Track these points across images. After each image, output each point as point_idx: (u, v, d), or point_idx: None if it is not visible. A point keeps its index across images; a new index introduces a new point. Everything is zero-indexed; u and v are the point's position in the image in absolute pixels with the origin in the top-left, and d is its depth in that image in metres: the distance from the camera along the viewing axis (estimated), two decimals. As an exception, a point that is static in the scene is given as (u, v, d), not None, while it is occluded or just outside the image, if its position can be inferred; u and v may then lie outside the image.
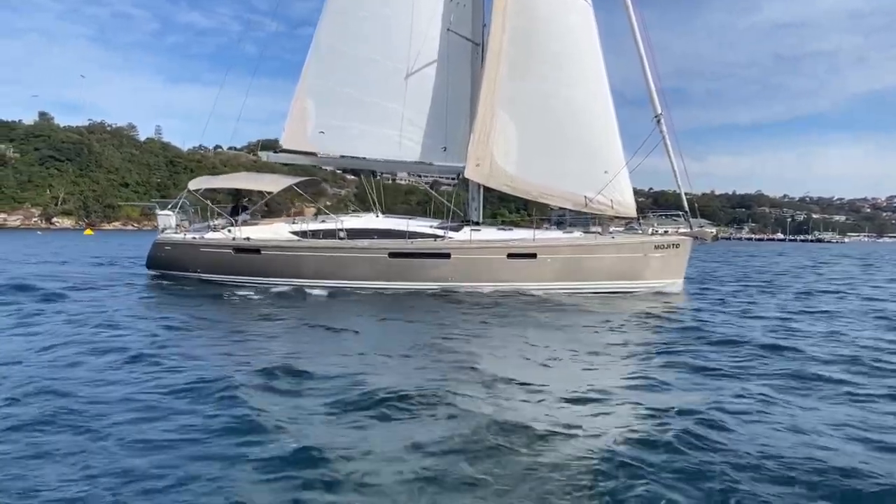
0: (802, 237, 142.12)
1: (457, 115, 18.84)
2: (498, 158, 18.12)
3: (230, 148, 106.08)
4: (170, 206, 19.96)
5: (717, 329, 11.41)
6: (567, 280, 17.72)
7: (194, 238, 19.26)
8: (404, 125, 18.50)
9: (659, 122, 18.25)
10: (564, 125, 18.31)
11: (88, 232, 59.26)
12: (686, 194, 18.84)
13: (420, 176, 22.00)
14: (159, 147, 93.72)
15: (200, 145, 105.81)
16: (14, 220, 73.95)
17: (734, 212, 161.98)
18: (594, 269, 17.78)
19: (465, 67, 18.90)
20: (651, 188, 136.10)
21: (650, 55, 17.92)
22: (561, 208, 21.30)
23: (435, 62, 18.57)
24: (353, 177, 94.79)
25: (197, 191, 19.46)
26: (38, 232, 61.18)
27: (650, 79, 17.85)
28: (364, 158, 18.99)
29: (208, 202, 20.24)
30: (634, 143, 18.75)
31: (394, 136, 18.46)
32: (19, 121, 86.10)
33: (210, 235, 19.23)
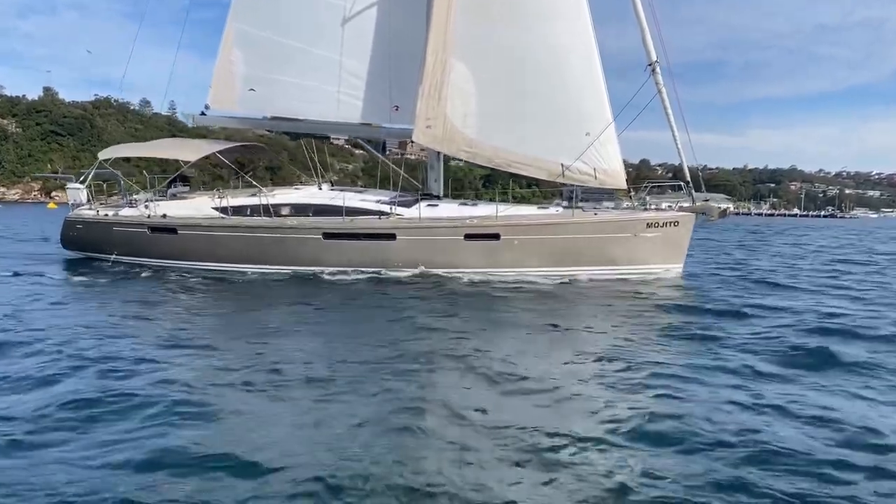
0: (815, 213, 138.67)
1: (410, 65, 15.53)
2: (453, 118, 14.92)
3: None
4: (80, 179, 17.34)
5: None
6: (538, 265, 14.65)
7: (107, 215, 16.68)
8: (343, 77, 15.28)
9: (654, 71, 14.85)
10: (536, 76, 14.97)
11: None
12: (691, 168, 15.48)
13: (367, 141, 18.79)
14: (165, 122, 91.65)
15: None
16: (13, 193, 73.39)
17: (757, 187, 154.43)
18: (570, 252, 14.65)
19: (419, 3, 15.49)
20: (694, 164, 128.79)
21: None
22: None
23: (380, -1, 15.28)
24: (360, 151, 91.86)
25: (107, 160, 16.82)
26: None
27: (641, 15, 14.41)
28: (296, 120, 15.93)
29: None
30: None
31: (330, 91, 15.29)
32: (23, 96, 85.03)
33: (125, 212, 16.63)
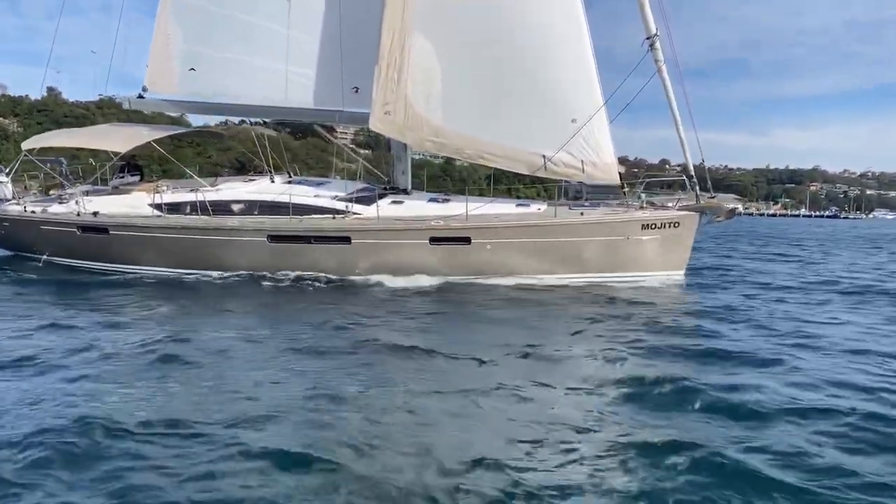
0: (818, 213, 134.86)
1: (370, 39, 13.39)
2: (415, 103, 12.83)
3: (241, 122, 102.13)
4: (6, 171, 15.58)
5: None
6: (517, 273, 12.58)
7: (33, 213, 14.89)
8: (291, 54, 13.21)
9: (653, 46, 12.73)
10: (514, 53, 12.87)
11: None
12: (696, 165, 13.34)
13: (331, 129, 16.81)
14: (168, 121, 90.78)
15: (227, 120, 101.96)
16: (11, 193, 73.00)
17: (771, 187, 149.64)
18: (554, 257, 12.56)
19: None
20: (715, 164, 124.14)
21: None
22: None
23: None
24: (365, 150, 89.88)
25: (31, 151, 15.09)
26: None
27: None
28: (242, 105, 13.96)
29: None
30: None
31: (278, 70, 13.25)
32: (26, 95, 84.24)
33: (54, 209, 14.81)
